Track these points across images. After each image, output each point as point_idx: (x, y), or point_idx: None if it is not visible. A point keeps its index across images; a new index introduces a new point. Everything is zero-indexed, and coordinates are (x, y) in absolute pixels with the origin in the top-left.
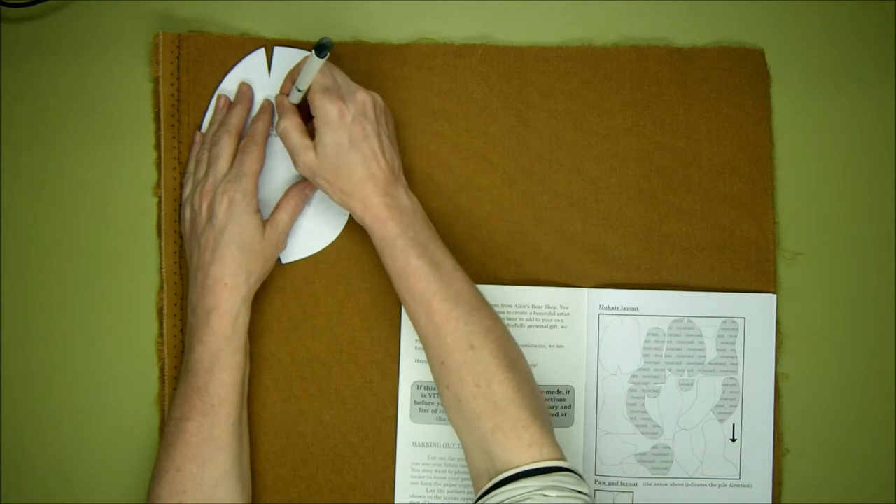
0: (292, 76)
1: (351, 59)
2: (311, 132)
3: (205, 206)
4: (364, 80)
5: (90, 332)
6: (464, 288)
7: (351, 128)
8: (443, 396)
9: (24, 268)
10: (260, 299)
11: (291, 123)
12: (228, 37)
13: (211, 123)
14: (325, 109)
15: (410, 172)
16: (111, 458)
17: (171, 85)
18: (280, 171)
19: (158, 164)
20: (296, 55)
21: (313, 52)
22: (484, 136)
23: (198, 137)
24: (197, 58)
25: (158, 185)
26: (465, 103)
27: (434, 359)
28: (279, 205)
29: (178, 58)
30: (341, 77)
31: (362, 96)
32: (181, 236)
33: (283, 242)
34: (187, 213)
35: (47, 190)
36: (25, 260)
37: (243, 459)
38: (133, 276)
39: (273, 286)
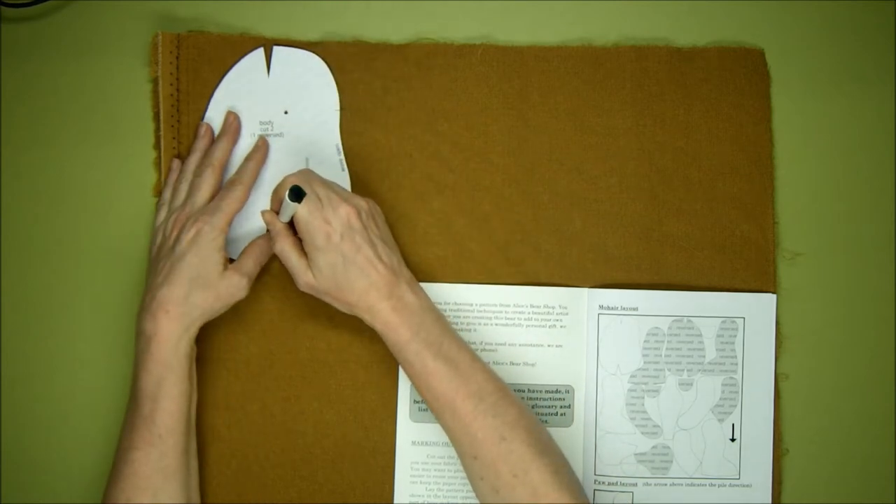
0: (279, 194)
1: (351, 59)
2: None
3: (174, 234)
4: (364, 79)
5: (90, 333)
6: (485, 379)
7: (341, 246)
8: (477, 488)
9: (24, 268)
10: (260, 299)
11: (288, 245)
12: (228, 36)
13: (191, 152)
14: (312, 235)
15: (410, 172)
16: (112, 459)
17: (171, 85)
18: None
19: (158, 164)
20: (295, 55)
21: (287, 196)
22: (484, 136)
23: (175, 164)
24: (196, 57)
25: (158, 184)
26: (465, 103)
27: (465, 454)
28: (245, 252)
29: (177, 58)
30: (322, 190)
31: (345, 210)
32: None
33: (244, 288)
34: (158, 239)
35: (47, 190)
36: (25, 260)
37: (192, 487)
38: (133, 276)
39: (273, 286)
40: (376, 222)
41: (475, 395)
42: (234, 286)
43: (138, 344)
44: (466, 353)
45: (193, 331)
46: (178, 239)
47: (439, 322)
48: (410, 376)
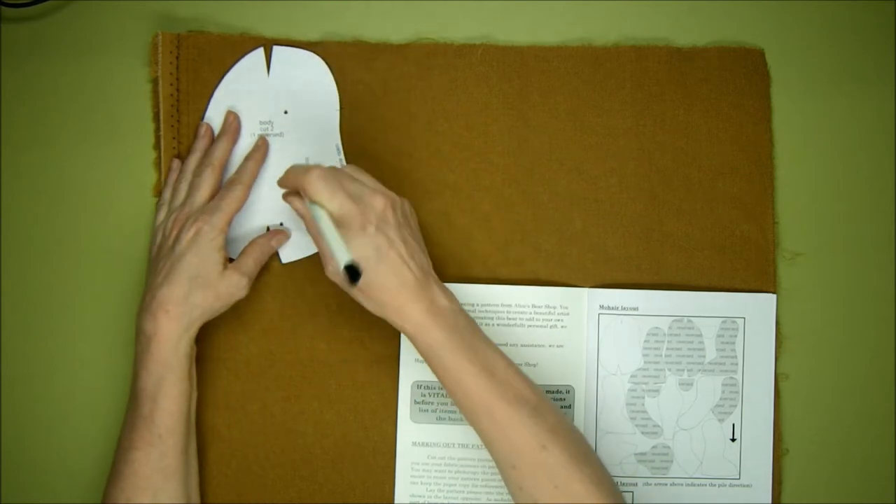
0: (291, 181)
1: (351, 59)
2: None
3: (174, 233)
4: (364, 79)
5: (90, 333)
6: (522, 385)
7: (375, 238)
8: (515, 498)
9: (24, 268)
10: (260, 299)
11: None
12: (228, 36)
13: (191, 152)
14: (347, 225)
15: (411, 172)
16: (111, 458)
17: (171, 85)
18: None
19: (158, 164)
20: (295, 54)
21: (343, 274)
22: (484, 136)
23: (175, 164)
24: (196, 57)
25: (158, 184)
26: (465, 103)
27: (504, 462)
28: (245, 251)
29: (177, 57)
30: (353, 185)
31: (380, 202)
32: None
33: (244, 288)
34: (157, 239)
35: (47, 190)
36: (25, 260)
37: (192, 487)
38: (133, 276)
39: (273, 286)
40: (409, 221)
41: (514, 399)
42: (234, 286)
43: (138, 344)
44: (501, 357)
45: (193, 331)
46: (177, 238)
47: (471, 325)
48: (444, 381)
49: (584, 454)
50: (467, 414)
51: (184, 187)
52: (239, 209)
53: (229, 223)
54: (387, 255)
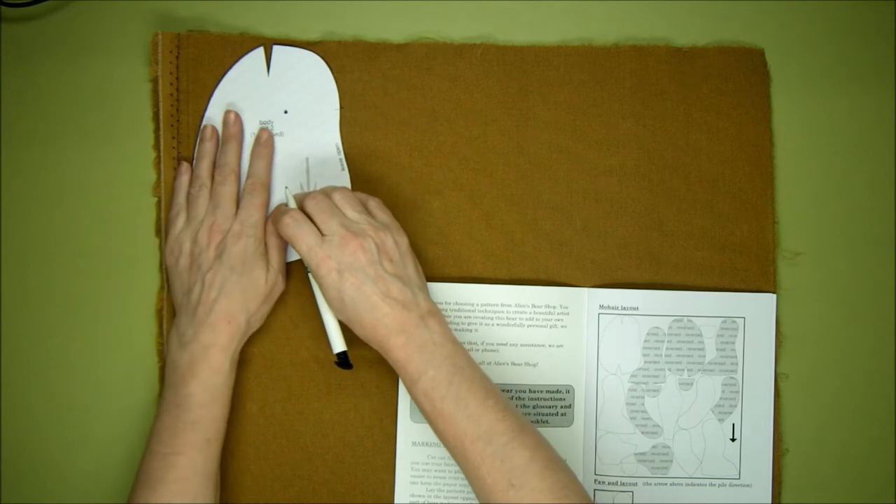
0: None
1: (351, 58)
2: None
3: (213, 244)
4: (364, 79)
5: (90, 332)
6: (496, 420)
7: (341, 284)
8: None
9: (24, 268)
10: None
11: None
12: (227, 36)
13: (199, 156)
14: (312, 269)
15: (410, 172)
16: (111, 458)
17: (171, 84)
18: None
19: (157, 164)
20: (294, 54)
21: (335, 361)
22: (483, 136)
23: (184, 168)
24: (196, 57)
25: (158, 184)
26: (465, 103)
27: (480, 497)
28: (267, 244)
29: (177, 57)
30: (328, 223)
31: (352, 246)
32: (167, 268)
33: (283, 283)
34: (187, 247)
35: (47, 190)
36: (25, 260)
37: (218, 491)
38: (133, 276)
39: None
40: (389, 255)
41: (484, 437)
42: (277, 285)
43: (187, 353)
44: (479, 390)
45: (245, 339)
46: (221, 251)
47: (452, 358)
48: (422, 414)
49: (560, 491)
50: (447, 448)
51: (204, 194)
52: (268, 211)
53: (265, 228)
54: (357, 297)
